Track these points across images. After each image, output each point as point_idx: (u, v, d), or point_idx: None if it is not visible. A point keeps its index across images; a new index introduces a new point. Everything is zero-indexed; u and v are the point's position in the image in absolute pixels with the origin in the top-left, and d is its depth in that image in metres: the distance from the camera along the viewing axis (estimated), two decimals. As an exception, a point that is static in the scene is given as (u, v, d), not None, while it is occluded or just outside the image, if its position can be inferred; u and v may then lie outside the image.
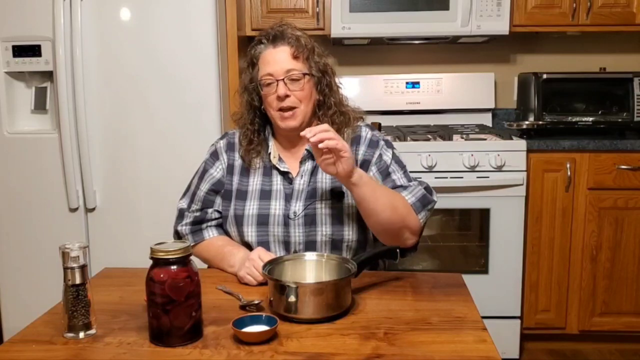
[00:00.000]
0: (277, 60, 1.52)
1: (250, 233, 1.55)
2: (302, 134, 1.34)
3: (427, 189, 1.54)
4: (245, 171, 1.60)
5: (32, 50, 2.40)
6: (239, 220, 1.56)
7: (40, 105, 2.52)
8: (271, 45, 1.54)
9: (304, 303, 1.20)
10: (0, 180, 2.48)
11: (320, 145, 1.32)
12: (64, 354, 1.10)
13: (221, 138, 1.69)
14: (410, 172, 1.60)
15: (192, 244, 1.35)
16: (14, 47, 2.41)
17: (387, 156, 1.58)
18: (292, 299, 1.19)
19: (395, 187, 1.53)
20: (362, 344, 1.11)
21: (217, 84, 2.41)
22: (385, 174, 1.56)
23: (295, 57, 1.52)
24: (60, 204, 2.46)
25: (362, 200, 1.41)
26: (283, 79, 1.50)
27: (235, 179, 1.60)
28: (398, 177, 1.55)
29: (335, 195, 1.53)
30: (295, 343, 1.11)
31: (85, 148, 2.39)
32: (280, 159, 1.58)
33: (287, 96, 1.50)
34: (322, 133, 1.33)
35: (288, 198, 1.55)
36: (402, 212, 1.46)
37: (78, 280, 1.15)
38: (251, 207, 1.55)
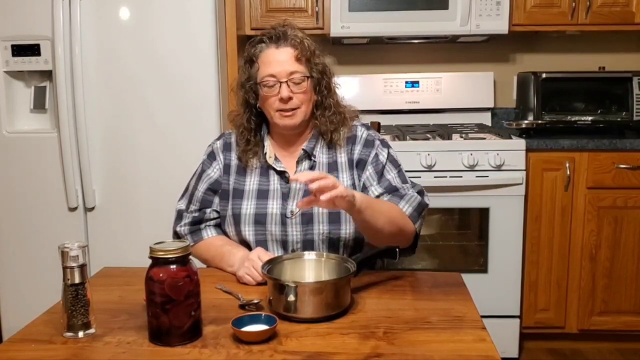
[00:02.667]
0: (280, 61, 1.51)
1: (248, 232, 1.55)
2: (292, 178, 1.26)
3: (421, 192, 1.55)
4: (242, 170, 1.60)
5: (32, 50, 2.40)
6: (237, 220, 1.56)
7: (39, 104, 2.52)
8: (273, 45, 1.53)
9: (304, 302, 1.20)
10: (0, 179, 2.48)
11: (322, 198, 1.24)
12: (64, 354, 1.10)
13: (218, 139, 1.69)
14: (410, 171, 1.61)
15: (191, 244, 1.35)
16: (13, 46, 2.41)
17: (383, 155, 1.58)
18: (291, 298, 1.19)
19: (390, 188, 1.54)
20: (362, 343, 1.11)
21: (216, 83, 2.41)
22: (380, 173, 1.56)
23: (297, 59, 1.52)
24: (60, 203, 2.46)
25: (363, 223, 1.41)
26: (286, 81, 1.50)
27: (232, 178, 1.61)
28: (392, 176, 1.56)
29: None
30: (294, 342, 1.11)
31: (84, 147, 2.39)
32: (276, 159, 1.58)
33: (290, 98, 1.50)
34: (320, 181, 1.24)
35: (285, 197, 1.55)
36: (400, 224, 1.47)
37: (77, 280, 1.15)
38: (248, 207, 1.56)
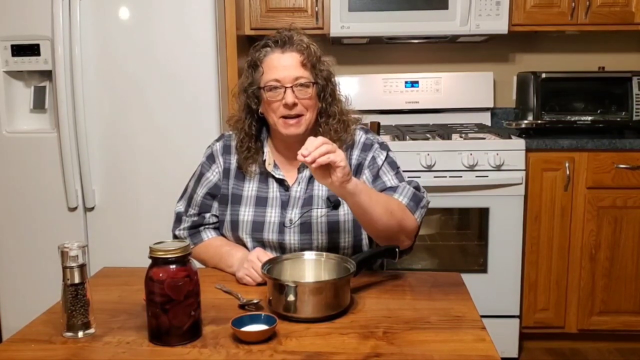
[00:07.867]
0: (286, 66, 1.48)
1: (246, 239, 1.54)
2: (299, 158, 1.25)
3: (417, 187, 1.52)
4: (242, 175, 1.58)
5: (31, 50, 2.40)
6: (235, 226, 1.55)
7: (39, 104, 2.52)
8: (279, 49, 1.50)
9: (303, 302, 1.20)
10: (-1, 179, 2.48)
11: (313, 166, 1.25)
12: (63, 354, 1.10)
13: (217, 140, 1.66)
14: (410, 171, 1.60)
15: (191, 247, 1.34)
16: (12, 46, 2.41)
17: (380, 158, 1.56)
18: (291, 298, 1.19)
19: (385, 188, 1.51)
20: (361, 343, 1.11)
21: (216, 83, 2.41)
22: (376, 175, 1.54)
23: (303, 65, 1.49)
24: (59, 203, 2.46)
25: (359, 208, 1.37)
26: (291, 87, 1.47)
27: (231, 182, 1.59)
28: (389, 178, 1.53)
29: (332, 203, 1.51)
30: (294, 342, 1.11)
31: (84, 147, 2.39)
32: (275, 166, 1.56)
33: (294, 104, 1.47)
34: (316, 151, 1.25)
35: (284, 205, 1.53)
36: (398, 216, 1.42)
37: (77, 280, 1.14)
38: (247, 213, 1.54)
